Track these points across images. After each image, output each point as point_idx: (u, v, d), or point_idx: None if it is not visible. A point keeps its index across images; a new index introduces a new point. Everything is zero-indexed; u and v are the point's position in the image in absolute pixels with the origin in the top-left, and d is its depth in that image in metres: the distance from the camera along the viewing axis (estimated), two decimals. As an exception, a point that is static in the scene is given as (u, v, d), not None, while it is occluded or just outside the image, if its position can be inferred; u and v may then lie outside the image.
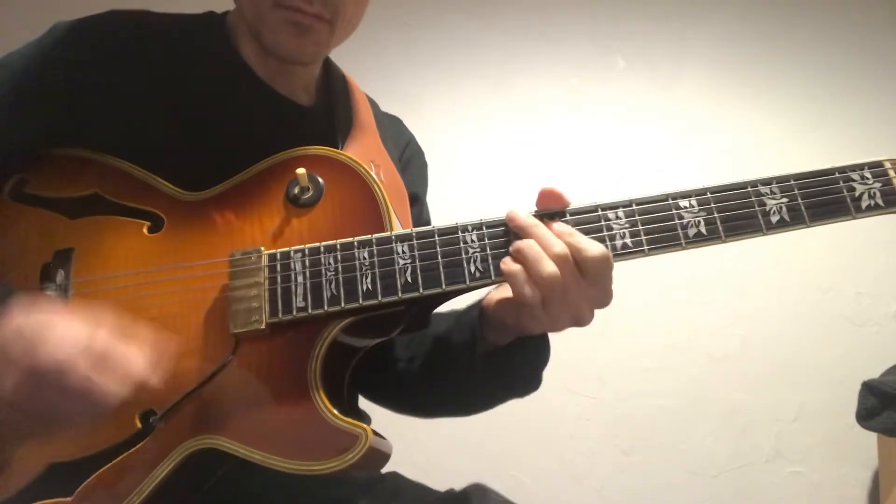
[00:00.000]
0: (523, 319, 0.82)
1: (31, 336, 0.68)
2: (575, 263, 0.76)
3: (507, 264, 0.77)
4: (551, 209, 0.81)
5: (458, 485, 0.99)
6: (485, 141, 2.43)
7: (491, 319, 0.87)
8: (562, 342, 0.92)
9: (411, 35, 2.52)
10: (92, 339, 0.70)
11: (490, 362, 0.87)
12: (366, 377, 1.03)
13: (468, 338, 0.88)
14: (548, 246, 0.76)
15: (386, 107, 1.17)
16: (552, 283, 0.75)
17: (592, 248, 0.76)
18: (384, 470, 0.88)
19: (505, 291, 0.85)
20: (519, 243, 0.78)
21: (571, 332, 0.83)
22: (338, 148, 0.95)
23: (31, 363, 0.67)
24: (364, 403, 1.07)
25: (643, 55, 2.51)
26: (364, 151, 0.97)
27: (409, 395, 1.02)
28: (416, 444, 2.10)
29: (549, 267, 0.75)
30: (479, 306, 0.89)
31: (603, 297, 0.79)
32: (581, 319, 0.79)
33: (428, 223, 1.15)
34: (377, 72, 2.36)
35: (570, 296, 0.77)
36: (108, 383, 0.69)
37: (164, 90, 0.91)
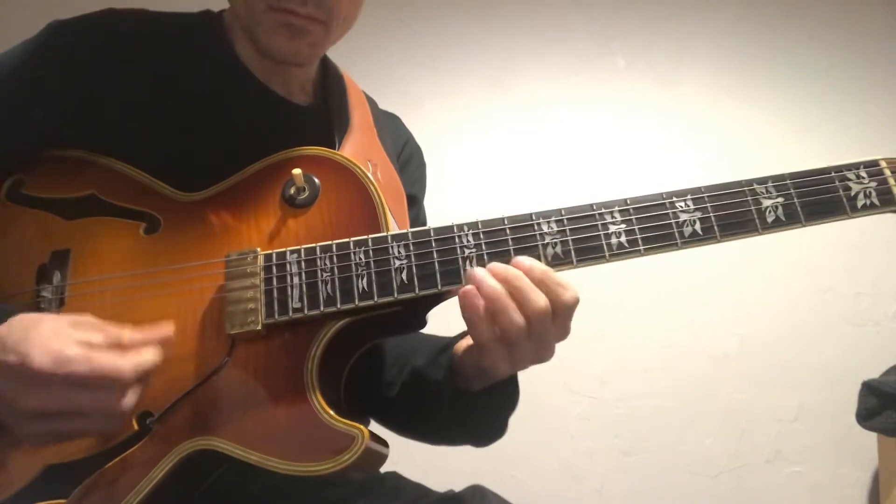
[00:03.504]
0: (488, 362, 0.80)
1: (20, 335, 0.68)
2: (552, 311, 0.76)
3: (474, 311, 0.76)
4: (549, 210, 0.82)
5: (458, 485, 0.99)
6: (485, 141, 2.43)
7: (460, 366, 0.88)
8: (562, 342, 0.92)
9: (411, 35, 2.52)
10: (79, 324, 0.71)
11: (457, 407, 0.88)
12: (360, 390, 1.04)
13: (440, 378, 0.88)
14: (526, 301, 0.75)
15: (385, 107, 1.17)
16: (519, 333, 0.76)
17: (567, 294, 0.76)
18: (382, 470, 0.88)
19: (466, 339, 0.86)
20: (491, 294, 0.76)
21: (571, 333, 0.82)
22: (335, 147, 0.95)
23: (24, 361, 0.67)
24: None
25: (643, 55, 2.51)
26: (361, 151, 0.97)
27: (385, 416, 1.04)
28: (416, 445, 2.10)
29: (519, 319, 0.75)
30: (451, 350, 0.90)
31: (564, 334, 0.80)
32: (545, 357, 0.80)
33: (424, 225, 1.14)
34: (377, 72, 2.36)
35: (542, 338, 0.77)
36: (113, 359, 0.69)
37: (160, 90, 0.91)
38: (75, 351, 0.67)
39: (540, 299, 0.75)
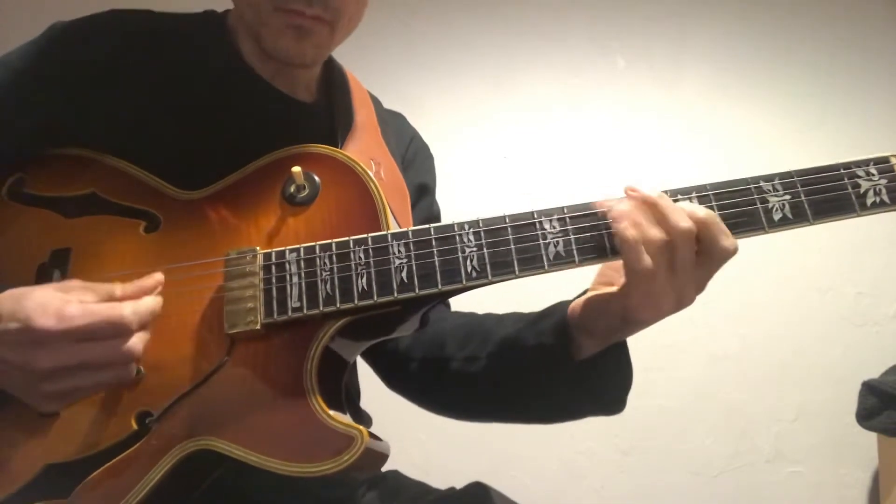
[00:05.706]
0: (632, 301, 0.76)
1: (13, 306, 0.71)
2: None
3: (626, 230, 0.73)
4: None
5: (458, 484, 0.99)
6: (485, 141, 2.43)
7: (578, 325, 0.84)
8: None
9: (411, 35, 2.52)
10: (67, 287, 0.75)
11: (583, 369, 0.84)
12: (407, 375, 1.00)
13: (551, 342, 0.84)
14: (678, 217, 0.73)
15: (386, 106, 1.17)
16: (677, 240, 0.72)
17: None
18: (383, 469, 0.88)
19: (598, 289, 0.82)
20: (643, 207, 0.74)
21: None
22: (338, 146, 0.94)
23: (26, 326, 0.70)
24: (365, 403, 1.06)
25: (643, 55, 2.51)
26: (364, 149, 0.96)
27: (464, 395, 0.96)
28: (417, 444, 2.10)
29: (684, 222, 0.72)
30: (563, 313, 0.85)
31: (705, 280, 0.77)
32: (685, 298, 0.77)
33: (439, 214, 1.14)
34: (377, 72, 2.36)
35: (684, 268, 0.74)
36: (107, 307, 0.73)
37: (163, 90, 0.91)
38: (75, 306, 0.71)
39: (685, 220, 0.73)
